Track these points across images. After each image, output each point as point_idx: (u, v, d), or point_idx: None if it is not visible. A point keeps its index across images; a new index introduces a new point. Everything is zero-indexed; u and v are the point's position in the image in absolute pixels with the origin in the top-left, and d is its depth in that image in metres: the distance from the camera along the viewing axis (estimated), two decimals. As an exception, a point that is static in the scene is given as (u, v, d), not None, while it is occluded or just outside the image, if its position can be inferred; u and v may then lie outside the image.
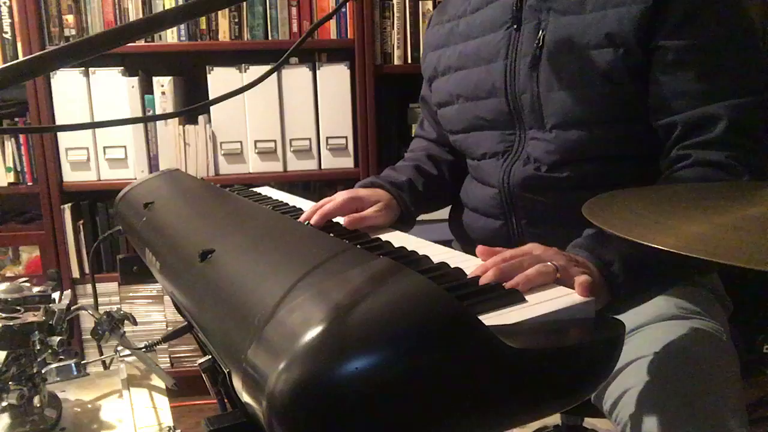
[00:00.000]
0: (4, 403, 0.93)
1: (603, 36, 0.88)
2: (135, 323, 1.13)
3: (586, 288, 0.61)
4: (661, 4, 0.85)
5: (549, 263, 0.66)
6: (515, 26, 0.98)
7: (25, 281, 1.02)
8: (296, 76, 2.18)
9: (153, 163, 2.21)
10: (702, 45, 0.85)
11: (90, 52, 0.54)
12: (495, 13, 1.01)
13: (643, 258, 0.73)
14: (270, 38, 2.18)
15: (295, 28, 2.18)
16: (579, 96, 0.91)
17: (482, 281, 0.64)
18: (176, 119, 2.18)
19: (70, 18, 2.13)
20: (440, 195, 1.20)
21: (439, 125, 1.20)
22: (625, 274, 0.72)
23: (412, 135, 1.33)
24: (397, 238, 0.87)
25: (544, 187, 0.97)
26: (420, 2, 2.20)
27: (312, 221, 0.91)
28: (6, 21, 2.11)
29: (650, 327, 0.85)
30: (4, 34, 2.11)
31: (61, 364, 1.12)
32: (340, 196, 0.96)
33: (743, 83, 0.85)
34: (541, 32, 0.94)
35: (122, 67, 2.15)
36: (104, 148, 2.18)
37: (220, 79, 2.15)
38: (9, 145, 2.17)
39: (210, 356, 0.69)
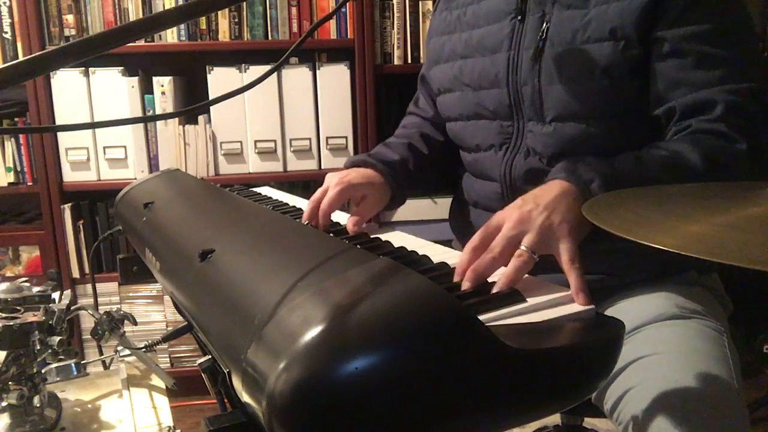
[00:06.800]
0: (4, 403, 0.93)
1: (605, 30, 0.89)
2: (135, 323, 1.13)
3: (586, 298, 0.62)
4: None
5: (523, 248, 0.67)
6: (519, 18, 0.98)
7: (25, 281, 1.02)
8: (296, 76, 2.18)
9: (153, 163, 2.21)
10: (700, 34, 0.86)
11: (90, 52, 0.54)
12: (500, 4, 1.02)
13: (620, 176, 0.76)
14: (270, 38, 2.18)
15: (295, 28, 2.18)
16: (578, 90, 0.92)
17: (463, 287, 0.65)
18: (176, 119, 2.18)
19: (70, 18, 2.13)
20: (430, 176, 1.20)
21: (436, 106, 1.20)
22: (606, 191, 0.73)
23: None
24: (397, 238, 0.87)
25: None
26: (420, 2, 2.19)
27: (320, 224, 0.94)
28: (6, 21, 2.11)
29: (650, 327, 0.86)
30: (4, 34, 2.11)
31: (61, 364, 1.12)
32: (333, 189, 0.96)
33: (740, 71, 0.86)
34: (544, 25, 0.94)
35: (122, 67, 2.15)
36: (104, 148, 2.18)
37: (220, 79, 2.15)
38: (9, 145, 2.17)
39: (210, 356, 0.69)
